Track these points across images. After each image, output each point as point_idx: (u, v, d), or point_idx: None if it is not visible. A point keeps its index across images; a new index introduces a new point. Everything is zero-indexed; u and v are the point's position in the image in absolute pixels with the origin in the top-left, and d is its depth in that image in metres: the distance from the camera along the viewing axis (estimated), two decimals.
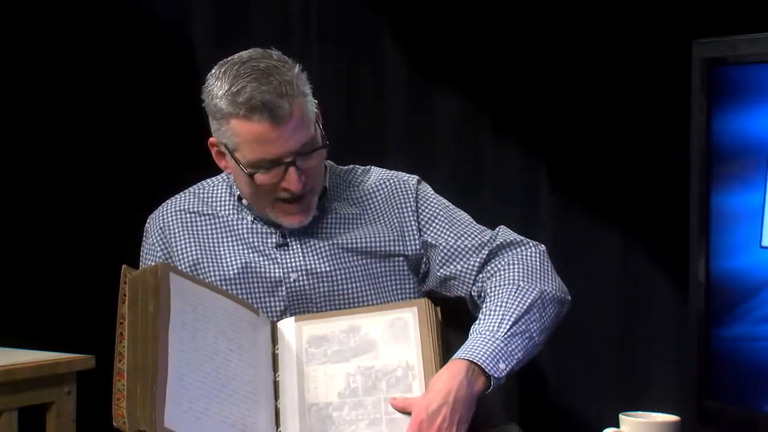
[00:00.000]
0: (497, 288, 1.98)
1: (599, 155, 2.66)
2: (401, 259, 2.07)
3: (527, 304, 1.94)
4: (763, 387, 1.77)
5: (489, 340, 1.88)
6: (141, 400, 1.71)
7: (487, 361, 1.86)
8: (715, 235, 1.83)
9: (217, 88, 1.96)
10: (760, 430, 1.77)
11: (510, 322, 1.90)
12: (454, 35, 2.83)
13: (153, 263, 2.06)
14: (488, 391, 1.87)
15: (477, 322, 1.94)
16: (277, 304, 2.03)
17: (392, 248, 2.07)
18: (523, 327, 1.91)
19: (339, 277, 2.04)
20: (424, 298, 2.00)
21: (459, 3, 2.83)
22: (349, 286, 2.04)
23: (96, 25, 3.19)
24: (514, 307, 1.93)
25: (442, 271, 2.06)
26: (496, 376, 1.86)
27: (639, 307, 2.64)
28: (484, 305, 1.97)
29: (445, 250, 2.06)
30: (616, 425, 1.88)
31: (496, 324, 1.90)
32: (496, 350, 1.87)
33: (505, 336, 1.89)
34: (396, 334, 1.92)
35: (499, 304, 1.94)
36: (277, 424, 1.86)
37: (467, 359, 1.86)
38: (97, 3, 3.19)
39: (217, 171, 2.17)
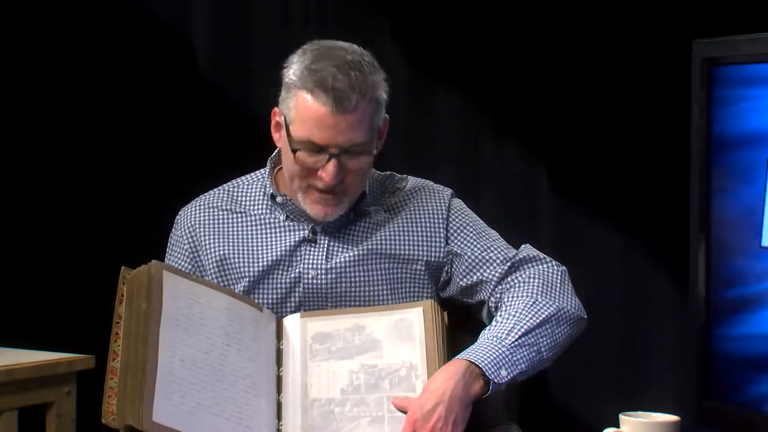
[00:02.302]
0: (514, 299, 1.97)
1: (599, 155, 2.66)
2: (422, 264, 2.06)
3: (542, 318, 1.92)
4: (763, 387, 1.77)
5: (495, 345, 1.87)
6: (130, 396, 1.72)
7: (489, 366, 1.85)
8: (715, 235, 1.83)
9: (299, 61, 1.97)
10: (760, 430, 1.77)
11: (520, 332, 1.89)
12: (454, 35, 2.83)
13: (178, 256, 2.08)
14: (486, 395, 1.86)
15: (487, 327, 1.93)
16: (293, 299, 2.03)
17: (415, 253, 2.06)
18: (533, 340, 1.90)
19: (358, 278, 2.03)
20: (430, 300, 2.00)
21: (459, 3, 2.83)
22: (367, 288, 2.04)
23: (96, 25, 3.19)
24: (527, 318, 1.91)
25: (464, 280, 2.05)
26: (496, 381, 1.85)
27: (639, 307, 2.64)
28: (498, 313, 1.96)
29: (469, 261, 2.05)
30: (616, 425, 1.87)
31: (506, 332, 1.89)
32: (500, 357, 1.86)
33: (512, 345, 1.88)
34: (401, 334, 1.92)
35: (512, 313, 1.93)
36: (279, 418, 1.87)
37: (468, 360, 1.85)
38: (98, 3, 3.19)
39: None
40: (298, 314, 1.98)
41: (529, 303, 1.95)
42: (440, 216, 2.09)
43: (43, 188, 3.16)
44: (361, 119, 1.94)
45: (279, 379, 1.90)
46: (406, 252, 2.05)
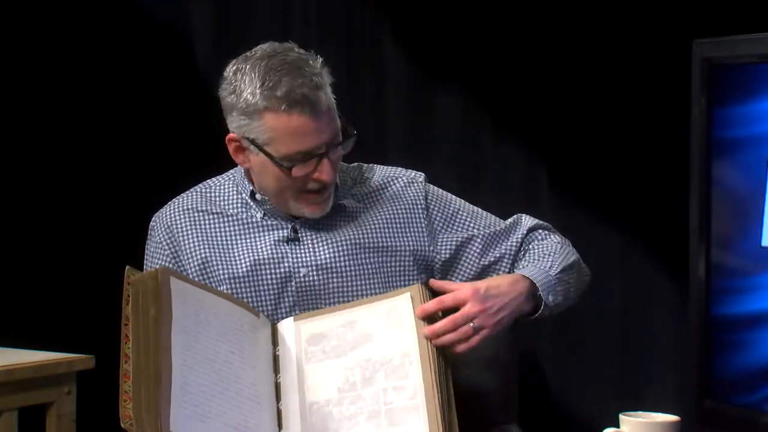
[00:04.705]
0: (543, 246, 2.08)
1: (599, 155, 2.66)
2: (409, 255, 2.07)
3: (571, 260, 2.06)
4: (764, 387, 1.77)
5: (545, 273, 1.98)
6: (146, 404, 1.71)
7: (544, 288, 1.96)
8: (715, 235, 1.83)
9: (245, 83, 1.95)
10: (760, 430, 1.77)
11: (560, 268, 2.02)
12: (454, 35, 2.83)
13: (159, 262, 2.06)
14: (533, 317, 1.97)
15: (525, 265, 2.04)
16: (287, 299, 2.02)
17: (400, 244, 2.07)
18: (567, 278, 2.03)
19: (349, 273, 2.04)
20: (417, 284, 1.99)
21: (459, 3, 2.83)
22: (359, 282, 2.04)
23: (96, 25, 3.19)
24: (562, 258, 2.04)
25: (485, 259, 2.10)
26: (547, 303, 1.96)
27: (639, 307, 2.64)
28: (528, 255, 2.07)
29: (483, 239, 2.10)
30: (616, 425, 1.87)
31: (548, 265, 2.01)
32: (550, 284, 1.98)
33: (556, 276, 2.00)
34: (392, 322, 1.91)
35: (548, 253, 2.05)
36: (280, 425, 1.86)
37: (530, 278, 1.95)
38: (98, 3, 3.19)
39: (218, 170, 2.17)
40: (291, 318, 1.97)
41: (558, 248, 2.07)
42: (419, 204, 2.11)
43: (42, 188, 3.17)
44: (332, 110, 1.98)
45: (278, 387, 1.89)
46: (392, 243, 2.07)
